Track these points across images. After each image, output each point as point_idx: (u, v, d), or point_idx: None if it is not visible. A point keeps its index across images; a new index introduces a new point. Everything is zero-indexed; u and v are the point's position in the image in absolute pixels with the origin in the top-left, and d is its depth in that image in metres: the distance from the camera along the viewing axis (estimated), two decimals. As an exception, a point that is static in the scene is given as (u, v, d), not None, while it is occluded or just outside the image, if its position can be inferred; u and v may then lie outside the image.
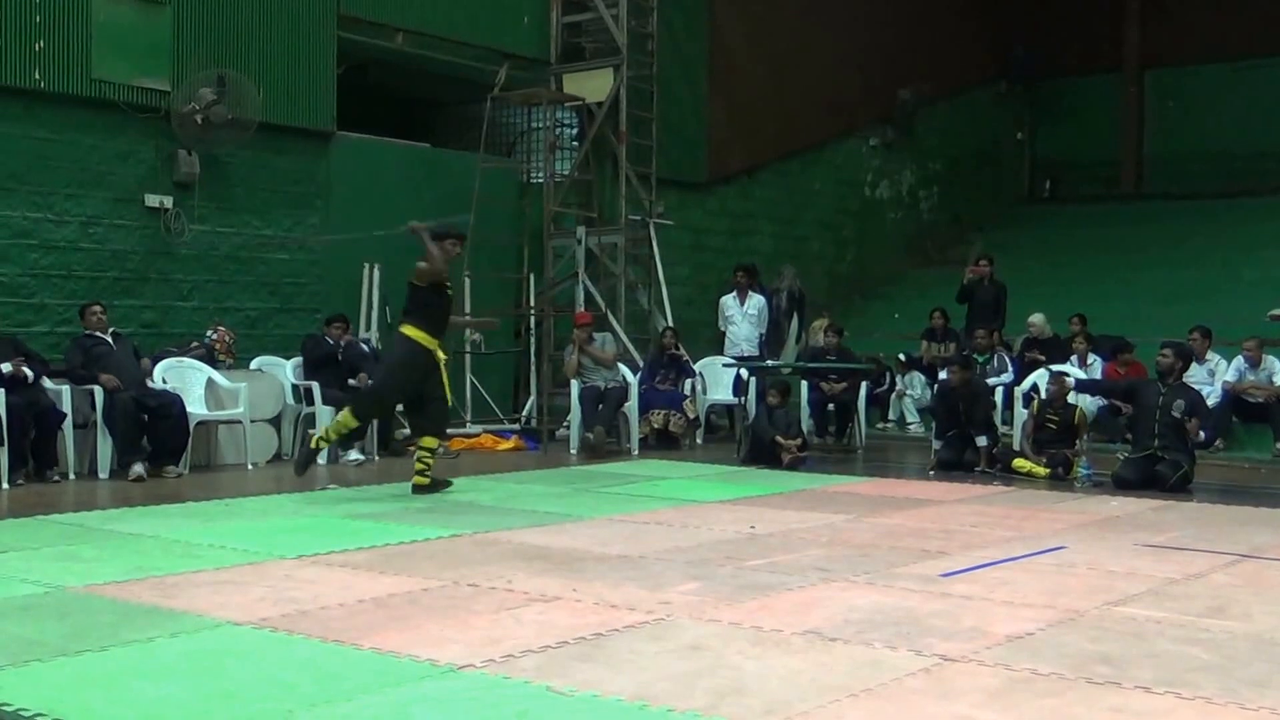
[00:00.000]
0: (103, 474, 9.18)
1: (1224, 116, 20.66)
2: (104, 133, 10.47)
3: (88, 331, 9.51)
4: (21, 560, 5.89)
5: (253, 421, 10.16)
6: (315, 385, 10.48)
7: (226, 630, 4.59)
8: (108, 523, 7.12)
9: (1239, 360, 11.83)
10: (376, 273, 11.97)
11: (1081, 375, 11.71)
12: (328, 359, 10.70)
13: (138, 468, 9.15)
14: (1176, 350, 9.84)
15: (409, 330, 8.21)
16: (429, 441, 8.35)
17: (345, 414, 8.51)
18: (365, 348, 11.17)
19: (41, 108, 10.10)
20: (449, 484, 8.53)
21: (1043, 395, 10.48)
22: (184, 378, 10.04)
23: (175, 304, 10.91)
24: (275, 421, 10.65)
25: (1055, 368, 11.20)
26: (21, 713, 3.56)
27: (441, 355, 8.31)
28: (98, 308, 9.63)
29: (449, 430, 11.60)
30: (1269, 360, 11.79)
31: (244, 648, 4.37)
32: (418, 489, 8.26)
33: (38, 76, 9.98)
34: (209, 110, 10.62)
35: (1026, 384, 11.19)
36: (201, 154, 10.90)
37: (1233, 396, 11.62)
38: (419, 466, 8.31)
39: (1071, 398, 10.45)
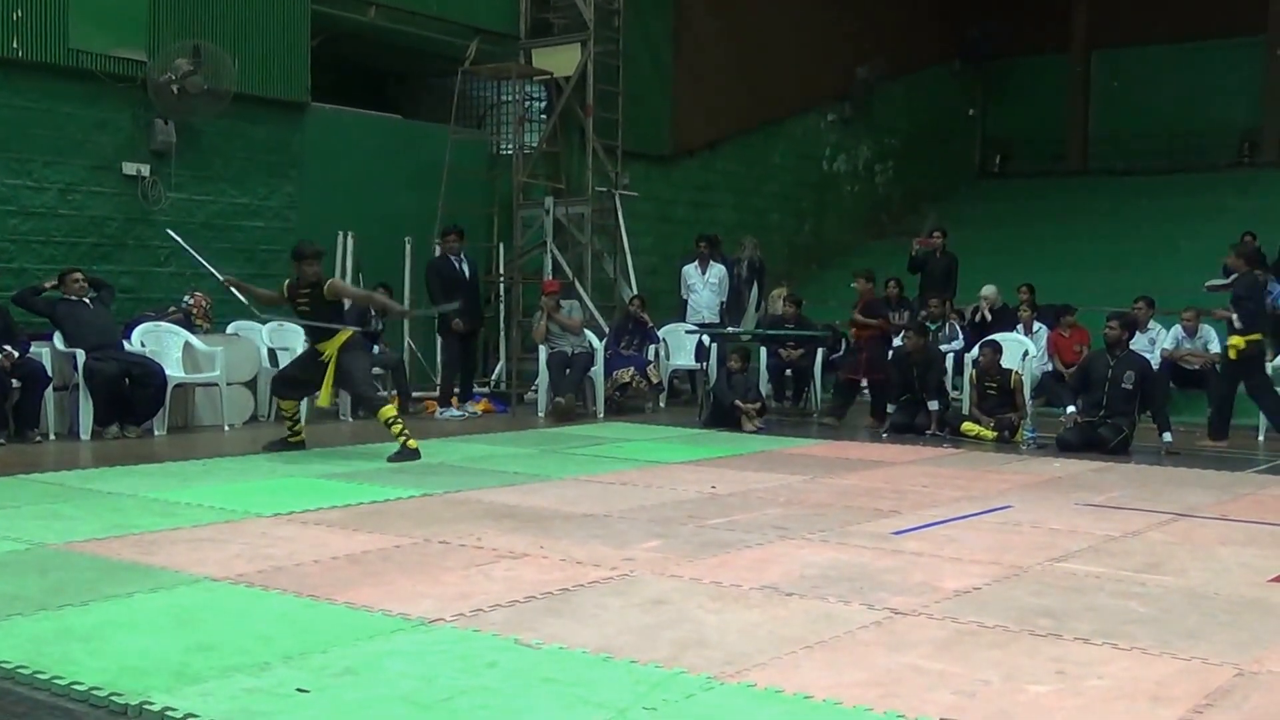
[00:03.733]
0: (83, 435, 9.28)
1: (1165, 96, 21.10)
2: (82, 101, 10.59)
3: (65, 296, 9.57)
4: (3, 518, 5.93)
5: (229, 384, 10.31)
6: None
7: (204, 585, 4.63)
8: (88, 482, 7.15)
9: (1177, 329, 12.19)
10: (350, 241, 12.18)
11: (1030, 345, 12.12)
12: None
13: (114, 428, 9.38)
14: (1122, 321, 10.20)
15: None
16: (385, 413, 8.51)
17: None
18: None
19: (19, 76, 10.20)
20: (417, 454, 8.34)
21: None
22: (161, 341, 10.17)
23: (152, 270, 11.06)
24: (251, 384, 10.78)
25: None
26: (4, 664, 3.62)
27: (326, 355, 8.62)
28: (79, 274, 9.73)
29: (419, 394, 12.05)
30: (1205, 329, 12.13)
31: (221, 602, 4.42)
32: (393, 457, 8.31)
33: (16, 45, 10.08)
34: (185, 80, 10.73)
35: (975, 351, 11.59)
36: (178, 123, 11.03)
37: (1171, 364, 11.97)
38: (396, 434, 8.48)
39: (1018, 365, 10.83)
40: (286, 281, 8.93)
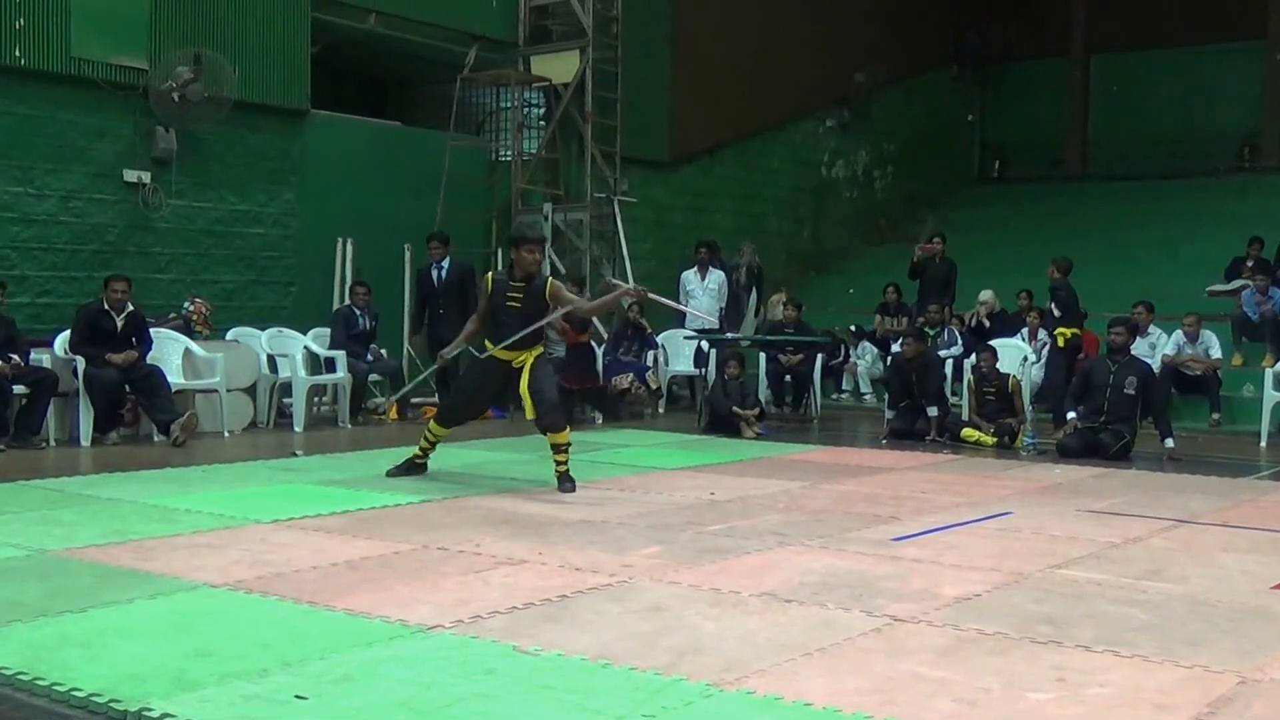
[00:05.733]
0: (84, 441, 9.29)
1: (1165, 100, 21.11)
2: (83, 109, 10.60)
3: (103, 306, 9.50)
4: (3, 524, 5.93)
5: (229, 391, 10.32)
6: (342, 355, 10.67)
7: (203, 592, 4.63)
8: (87, 488, 7.16)
9: (1178, 335, 12.20)
10: (349, 247, 12.20)
11: (1029, 350, 12.13)
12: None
13: (114, 435, 9.40)
14: (1128, 326, 10.25)
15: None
16: (556, 438, 7.54)
17: (431, 423, 7.97)
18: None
19: (22, 85, 10.22)
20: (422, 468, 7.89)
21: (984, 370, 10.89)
22: (162, 348, 10.15)
23: (153, 276, 11.05)
24: (251, 391, 10.79)
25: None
26: (3, 671, 3.62)
27: (521, 362, 7.46)
28: (122, 284, 9.54)
29: (419, 400, 12.02)
30: (1206, 335, 12.18)
31: (220, 609, 4.42)
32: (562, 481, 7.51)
33: (18, 54, 10.10)
34: (186, 88, 10.75)
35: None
36: (178, 130, 11.04)
37: (1172, 369, 11.97)
38: (557, 468, 7.58)
39: (1018, 372, 10.86)
40: (490, 275, 7.80)
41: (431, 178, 12.80)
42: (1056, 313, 11.71)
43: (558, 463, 7.46)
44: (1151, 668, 3.85)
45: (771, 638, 4.11)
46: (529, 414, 7.48)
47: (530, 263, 7.41)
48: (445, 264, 11.78)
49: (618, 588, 4.80)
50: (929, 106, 21.67)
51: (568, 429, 7.61)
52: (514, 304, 7.38)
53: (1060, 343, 11.61)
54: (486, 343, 7.58)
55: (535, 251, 7.48)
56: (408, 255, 12.48)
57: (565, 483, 7.40)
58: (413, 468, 7.78)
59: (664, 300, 8.34)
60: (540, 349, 7.58)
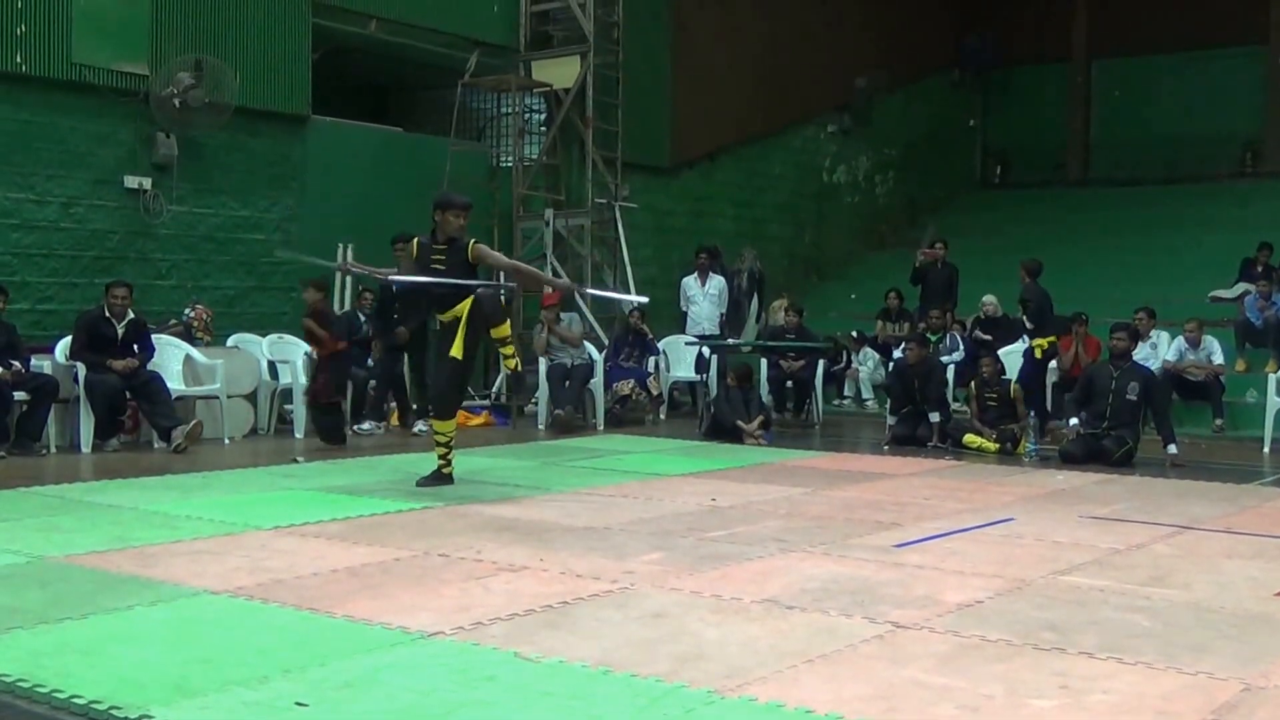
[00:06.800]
0: (84, 448, 9.29)
1: (1167, 105, 21.08)
2: (84, 115, 10.62)
3: (103, 312, 9.49)
4: (4, 531, 5.93)
5: (229, 397, 10.32)
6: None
7: (204, 598, 4.63)
8: (88, 495, 7.16)
9: (1180, 341, 12.18)
10: (350, 252, 12.18)
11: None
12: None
13: (115, 442, 9.39)
14: (1129, 332, 10.24)
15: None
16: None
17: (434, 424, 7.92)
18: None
19: (23, 91, 10.24)
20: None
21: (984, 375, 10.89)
22: (162, 354, 10.14)
23: (154, 283, 11.06)
24: (251, 397, 10.79)
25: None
26: (3, 678, 3.61)
27: (459, 312, 7.52)
28: (123, 290, 9.53)
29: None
30: (1208, 340, 12.17)
31: (221, 615, 4.42)
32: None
33: (19, 60, 10.12)
34: (187, 94, 10.77)
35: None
36: (179, 137, 11.06)
37: (1175, 375, 11.94)
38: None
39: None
40: (416, 239, 7.80)
41: (432, 183, 12.74)
42: (1029, 324, 11.61)
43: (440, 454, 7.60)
44: (1155, 674, 3.83)
45: (773, 644, 4.10)
46: (455, 349, 7.49)
47: (455, 228, 7.58)
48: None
49: (619, 594, 4.79)
50: (930, 111, 21.68)
51: (454, 421, 7.73)
52: (438, 265, 7.55)
53: (1038, 354, 11.52)
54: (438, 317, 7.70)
55: (461, 216, 7.61)
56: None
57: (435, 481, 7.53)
58: (441, 479, 7.65)
59: (597, 292, 8.34)
60: (470, 301, 7.50)
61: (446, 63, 13.64)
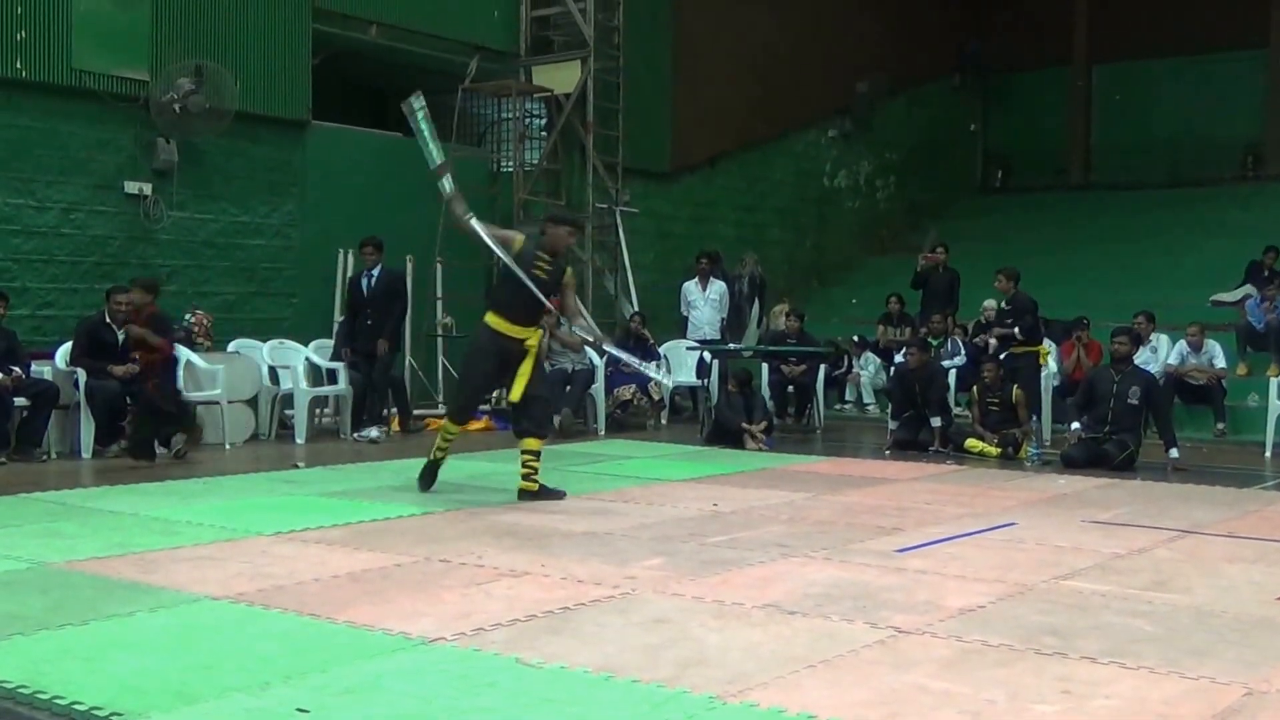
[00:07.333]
0: (85, 454, 9.29)
1: (1168, 109, 21.12)
2: (84, 121, 10.61)
3: (104, 319, 9.47)
4: (5, 537, 5.95)
5: (230, 402, 10.31)
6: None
7: (204, 604, 4.64)
8: (89, 501, 7.18)
9: (1181, 345, 12.18)
10: (351, 259, 12.19)
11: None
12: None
13: (115, 448, 9.36)
14: (1130, 336, 10.25)
15: (489, 317, 7.44)
16: (531, 443, 7.43)
17: (445, 423, 7.82)
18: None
19: (23, 97, 10.23)
20: (561, 494, 7.54)
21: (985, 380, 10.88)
22: (164, 360, 10.22)
23: (155, 288, 11.07)
24: (252, 402, 10.79)
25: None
26: (4, 684, 3.62)
27: (531, 344, 7.39)
28: (123, 297, 9.46)
29: (419, 411, 12.00)
30: (1209, 344, 12.17)
31: (221, 621, 4.43)
32: (524, 494, 7.43)
33: (19, 66, 10.11)
34: (187, 100, 10.75)
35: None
36: (179, 142, 11.05)
37: (1176, 379, 11.96)
38: (524, 471, 7.44)
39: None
40: (523, 234, 7.63)
41: (433, 189, 12.50)
42: (1019, 335, 11.23)
43: (526, 472, 7.41)
44: (1157, 679, 3.83)
45: (775, 650, 4.10)
46: (514, 396, 7.34)
47: (564, 245, 7.55)
48: (376, 271, 11.06)
49: (621, 600, 4.79)
50: (931, 116, 21.68)
51: (541, 439, 7.54)
52: (540, 273, 7.29)
53: (1041, 360, 11.44)
54: (491, 318, 7.40)
55: (573, 235, 7.67)
56: (410, 267, 12.48)
57: (533, 495, 7.38)
58: (434, 470, 7.68)
59: (619, 353, 8.62)
60: (540, 331, 7.53)
61: (447, 68, 13.62)
